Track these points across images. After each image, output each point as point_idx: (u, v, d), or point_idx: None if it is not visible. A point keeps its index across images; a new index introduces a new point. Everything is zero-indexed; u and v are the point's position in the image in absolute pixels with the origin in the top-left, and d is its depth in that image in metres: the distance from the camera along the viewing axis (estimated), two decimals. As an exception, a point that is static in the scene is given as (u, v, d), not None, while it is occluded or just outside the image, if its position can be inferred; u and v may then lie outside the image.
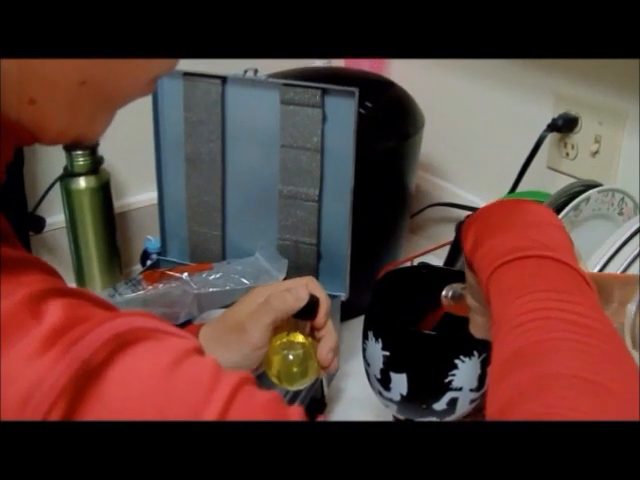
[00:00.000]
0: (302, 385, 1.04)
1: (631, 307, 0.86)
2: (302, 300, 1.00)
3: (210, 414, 0.54)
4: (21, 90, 0.59)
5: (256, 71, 1.39)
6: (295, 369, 1.01)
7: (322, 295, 1.04)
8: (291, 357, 1.01)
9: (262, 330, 0.98)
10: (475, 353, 1.12)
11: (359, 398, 1.41)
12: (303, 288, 1.02)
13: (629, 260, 1.19)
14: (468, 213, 1.66)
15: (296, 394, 1.26)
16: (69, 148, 1.55)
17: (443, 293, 1.11)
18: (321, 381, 1.35)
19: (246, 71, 1.39)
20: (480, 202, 1.70)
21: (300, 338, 1.02)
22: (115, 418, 0.52)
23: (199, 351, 0.60)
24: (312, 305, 1.02)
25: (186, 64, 1.36)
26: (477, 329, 1.00)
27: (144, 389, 0.54)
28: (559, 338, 0.70)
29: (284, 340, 1.02)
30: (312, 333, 1.05)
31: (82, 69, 0.60)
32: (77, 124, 0.65)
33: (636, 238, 1.23)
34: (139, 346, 0.55)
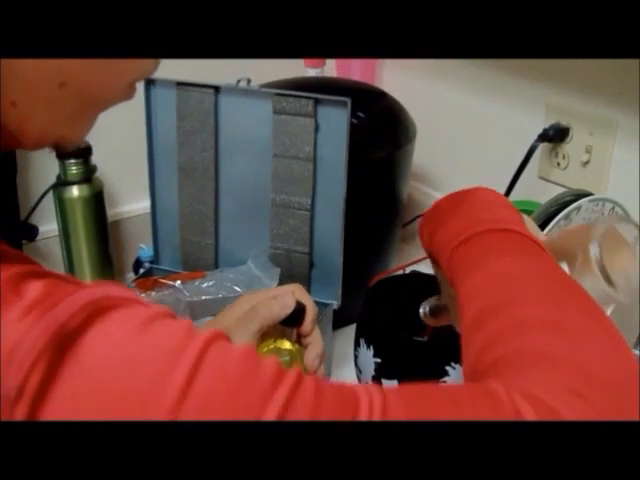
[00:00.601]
0: None
1: (593, 247, 0.87)
2: (288, 307, 1.01)
3: (184, 364, 0.54)
4: (3, 93, 0.59)
5: (249, 81, 1.40)
6: None
7: (309, 302, 1.05)
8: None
9: (249, 337, 0.99)
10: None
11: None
12: (290, 296, 1.03)
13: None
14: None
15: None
16: (61, 156, 1.56)
17: (420, 311, 1.11)
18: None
19: (239, 81, 1.40)
20: (471, 212, 1.71)
21: (287, 345, 1.03)
22: (92, 379, 0.52)
23: (173, 316, 0.60)
24: (298, 312, 1.02)
25: (179, 74, 1.38)
26: (457, 322, 1.01)
27: (118, 347, 0.54)
28: (524, 292, 0.74)
29: (271, 347, 1.02)
30: (299, 340, 1.05)
31: (61, 71, 0.60)
32: (58, 127, 0.66)
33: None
34: (115, 312, 0.55)
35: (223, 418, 0.53)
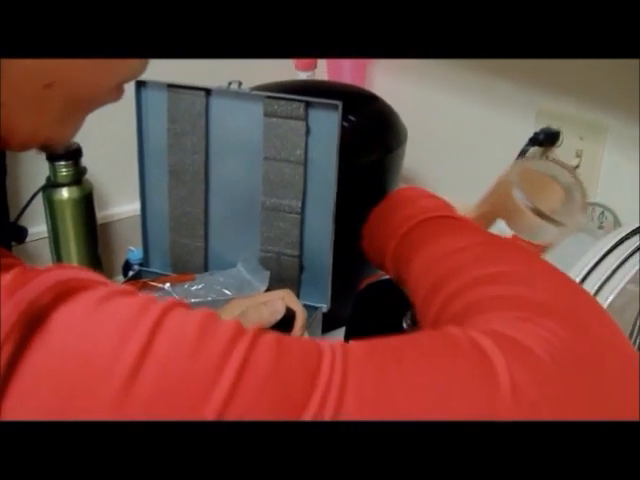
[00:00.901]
0: None
1: (515, 192, 0.91)
2: (278, 313, 1.01)
3: (141, 330, 0.53)
4: None
5: (240, 83, 1.40)
6: None
7: (298, 308, 1.05)
8: None
9: None
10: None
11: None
12: (279, 301, 1.03)
13: (609, 272, 1.20)
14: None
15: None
16: (51, 158, 1.55)
17: (403, 323, 1.12)
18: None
19: (230, 83, 1.40)
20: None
21: None
22: (55, 356, 0.52)
23: (137, 294, 0.60)
24: (288, 318, 1.02)
25: (170, 76, 1.38)
26: None
27: (78, 322, 0.54)
28: (469, 259, 0.79)
29: None
30: None
31: (47, 71, 0.60)
32: (45, 128, 0.66)
33: (615, 251, 1.24)
34: (81, 292, 0.55)
35: (182, 381, 0.52)
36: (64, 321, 0.54)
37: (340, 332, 1.29)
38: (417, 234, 0.90)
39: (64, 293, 0.54)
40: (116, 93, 0.70)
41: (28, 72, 0.59)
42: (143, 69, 0.70)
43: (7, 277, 0.54)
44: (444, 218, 0.91)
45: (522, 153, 1.52)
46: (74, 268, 0.58)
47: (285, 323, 1.02)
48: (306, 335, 1.06)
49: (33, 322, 0.52)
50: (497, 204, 0.96)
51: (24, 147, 0.67)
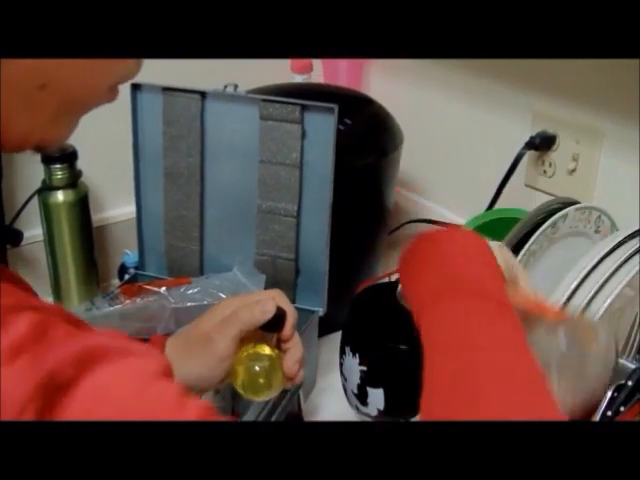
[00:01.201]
0: (267, 396, 1.05)
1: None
2: (269, 313, 1.01)
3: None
4: None
5: (236, 86, 1.40)
6: (261, 380, 1.02)
7: (289, 308, 1.05)
8: (257, 368, 1.02)
9: (228, 341, 1.00)
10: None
11: (336, 413, 1.40)
12: (270, 301, 1.03)
13: (606, 276, 1.20)
14: (446, 230, 1.66)
15: (272, 409, 1.26)
16: (47, 160, 1.55)
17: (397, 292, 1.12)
18: (298, 396, 1.35)
19: (226, 86, 1.40)
20: (458, 219, 1.71)
21: (266, 350, 1.03)
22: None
23: (166, 372, 0.60)
24: (279, 318, 1.03)
25: (165, 79, 1.37)
26: None
27: (114, 409, 0.54)
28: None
29: (250, 351, 1.03)
30: (279, 345, 1.05)
31: (40, 72, 0.60)
32: (39, 129, 0.65)
33: (613, 255, 1.24)
34: (107, 365, 0.55)
35: None
36: (93, 399, 0.54)
37: (336, 336, 1.28)
38: (450, 315, 0.83)
39: (87, 364, 0.55)
40: (110, 94, 0.70)
41: (22, 73, 0.59)
42: (137, 70, 0.70)
43: (22, 328, 0.54)
44: (483, 302, 0.83)
45: (518, 157, 1.52)
46: (95, 333, 0.58)
47: (275, 323, 1.02)
48: (296, 336, 1.05)
49: (53, 394, 0.52)
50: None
51: (18, 148, 0.67)
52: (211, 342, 1.00)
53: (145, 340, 1.09)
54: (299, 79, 1.84)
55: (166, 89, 1.42)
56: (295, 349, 1.05)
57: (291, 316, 1.05)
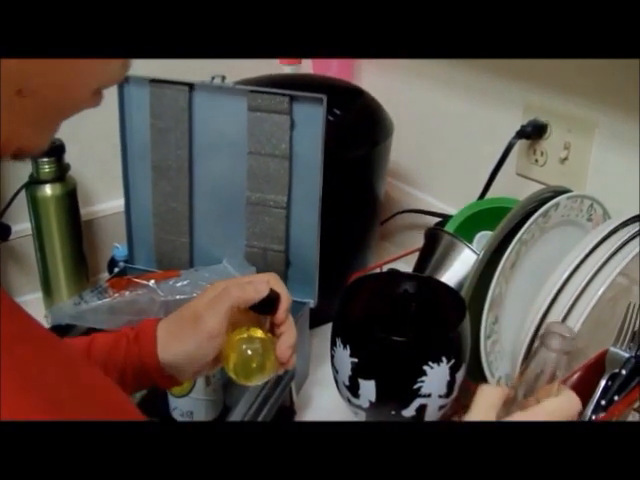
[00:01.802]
0: (259, 381, 1.04)
1: None
2: (261, 292, 1.01)
3: None
4: None
5: (223, 78, 1.39)
6: (253, 364, 1.01)
7: (283, 291, 1.05)
8: (249, 352, 1.01)
9: (218, 317, 0.99)
10: (444, 359, 1.11)
11: (328, 405, 1.40)
12: (264, 283, 1.02)
13: (599, 264, 1.19)
14: (437, 220, 1.66)
15: (264, 402, 1.25)
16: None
17: None
18: (290, 388, 1.34)
19: (213, 78, 1.39)
20: (449, 208, 1.70)
21: (259, 333, 1.02)
22: None
23: None
24: (272, 300, 1.02)
25: (153, 71, 1.36)
26: None
27: None
28: None
29: (244, 335, 1.02)
30: (272, 330, 1.05)
31: (18, 77, 0.57)
32: (18, 135, 0.63)
33: (605, 243, 1.23)
34: None
35: None
36: None
37: (328, 328, 1.27)
38: None
39: None
40: (94, 99, 0.67)
41: None
42: (122, 74, 0.67)
43: None
44: None
45: (510, 146, 1.51)
46: None
47: (269, 305, 1.01)
48: (290, 320, 1.05)
49: None
50: None
51: None
52: (201, 319, 0.99)
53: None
54: (288, 70, 1.83)
55: (153, 81, 1.41)
56: (288, 334, 1.04)
57: (285, 300, 1.04)
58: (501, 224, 1.26)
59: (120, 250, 1.67)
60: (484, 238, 1.36)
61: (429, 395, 1.13)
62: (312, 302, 1.45)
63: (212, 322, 0.98)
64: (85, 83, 0.64)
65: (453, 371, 1.13)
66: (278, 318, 1.03)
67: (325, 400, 1.43)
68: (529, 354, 1.22)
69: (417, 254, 1.48)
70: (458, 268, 1.35)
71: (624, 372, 1.20)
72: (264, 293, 1.00)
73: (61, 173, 1.59)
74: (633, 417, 1.29)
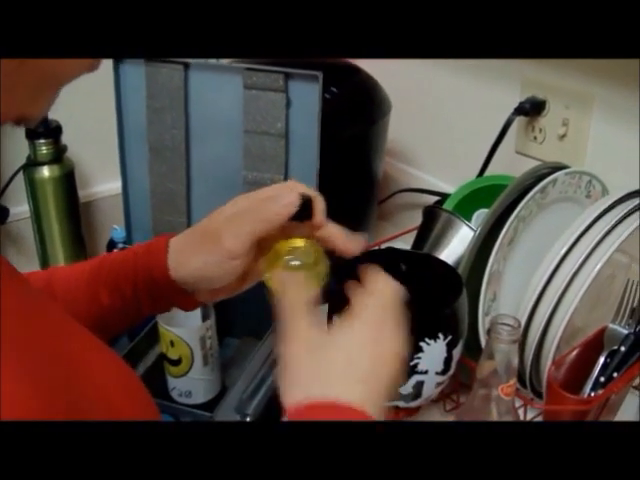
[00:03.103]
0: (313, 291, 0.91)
1: None
2: (292, 205, 0.91)
3: None
4: None
5: (218, 61, 1.39)
6: (304, 275, 0.91)
7: (313, 193, 0.97)
8: (296, 263, 0.92)
9: (239, 239, 0.91)
10: (440, 336, 1.11)
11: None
12: (290, 193, 0.93)
13: (597, 239, 1.19)
14: (436, 199, 1.66)
15: (260, 383, 1.25)
16: (31, 136, 1.54)
17: None
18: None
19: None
20: (448, 187, 1.70)
21: (301, 242, 0.94)
22: None
23: None
24: (307, 205, 0.94)
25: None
26: None
27: None
28: None
29: (285, 248, 0.94)
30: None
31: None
32: (18, 103, 0.63)
33: (605, 217, 1.23)
34: None
35: None
36: None
37: (326, 307, 1.27)
38: None
39: None
40: (92, 64, 0.67)
41: None
42: None
43: None
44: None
45: (508, 123, 1.50)
46: None
47: (304, 212, 0.92)
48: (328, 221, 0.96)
49: None
50: None
51: None
52: (220, 239, 0.92)
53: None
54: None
55: (149, 60, 1.40)
56: (333, 229, 0.95)
57: (319, 201, 0.97)
58: (498, 200, 1.26)
59: (118, 232, 1.67)
60: (482, 216, 1.36)
61: (426, 372, 1.13)
62: (310, 281, 1.44)
63: (231, 243, 0.91)
64: None
65: (450, 347, 1.13)
66: (317, 221, 0.94)
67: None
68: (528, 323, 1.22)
69: (415, 233, 1.48)
70: (456, 245, 1.35)
71: (623, 349, 1.20)
72: (296, 205, 0.92)
73: (58, 155, 1.58)
74: (632, 394, 1.30)
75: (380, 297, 0.87)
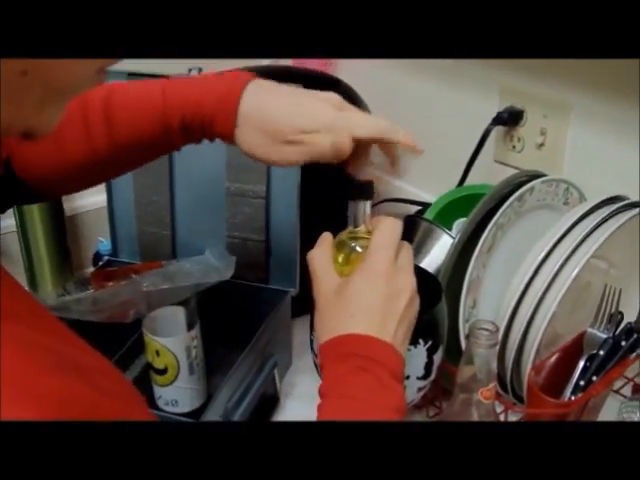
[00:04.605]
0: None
1: None
2: (343, 153, 1.07)
3: None
4: None
5: (200, 70, 1.40)
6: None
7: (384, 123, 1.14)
8: (359, 249, 1.04)
9: (286, 161, 1.08)
10: (421, 341, 1.13)
11: (311, 393, 1.40)
12: (348, 139, 1.07)
13: (574, 245, 1.20)
14: (417, 208, 1.67)
15: (247, 389, 1.26)
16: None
17: None
18: (273, 376, 1.35)
19: (190, 70, 1.40)
20: (429, 197, 1.71)
21: (365, 234, 1.05)
22: None
23: None
24: (368, 186, 1.08)
25: (130, 63, 1.37)
26: None
27: None
28: None
29: (346, 236, 1.06)
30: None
31: (22, 59, 0.58)
32: (24, 116, 0.63)
33: (581, 224, 1.24)
34: None
35: None
36: None
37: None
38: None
39: None
40: (98, 78, 0.68)
41: (3, 60, 0.57)
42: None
43: None
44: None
45: (486, 133, 1.52)
46: None
47: (365, 190, 1.10)
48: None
49: None
50: None
51: (4, 135, 0.65)
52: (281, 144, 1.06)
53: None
54: (266, 61, 1.84)
55: (131, 74, 1.41)
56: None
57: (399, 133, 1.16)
58: (476, 208, 1.27)
59: (105, 244, 1.68)
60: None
61: (407, 377, 1.15)
62: (294, 291, 1.46)
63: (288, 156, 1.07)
64: (87, 64, 0.65)
65: (430, 353, 1.15)
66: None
67: (308, 387, 1.43)
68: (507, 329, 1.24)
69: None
70: (437, 254, 1.36)
71: (602, 353, 1.22)
72: (345, 154, 1.07)
73: (44, 168, 1.59)
74: (613, 397, 1.31)
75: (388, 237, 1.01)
